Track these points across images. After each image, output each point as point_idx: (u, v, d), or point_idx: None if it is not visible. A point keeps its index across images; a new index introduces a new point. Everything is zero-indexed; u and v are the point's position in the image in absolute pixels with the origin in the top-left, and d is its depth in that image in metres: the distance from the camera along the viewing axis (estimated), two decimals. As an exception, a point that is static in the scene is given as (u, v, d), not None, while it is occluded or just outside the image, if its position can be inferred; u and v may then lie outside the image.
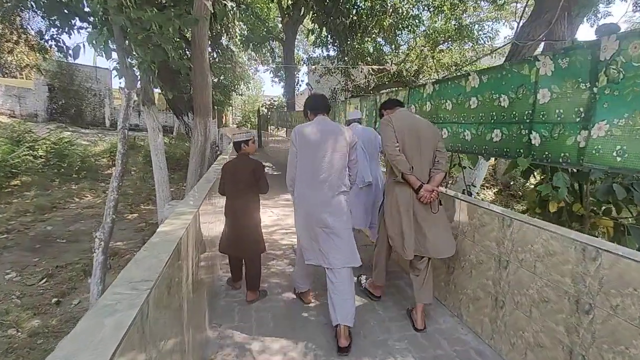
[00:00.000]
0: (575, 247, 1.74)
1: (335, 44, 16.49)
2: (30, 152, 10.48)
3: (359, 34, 11.98)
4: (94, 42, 4.50)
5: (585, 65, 2.02)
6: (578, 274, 1.73)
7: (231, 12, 11.72)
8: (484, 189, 12.71)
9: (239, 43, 17.22)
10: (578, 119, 2.08)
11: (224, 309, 2.70)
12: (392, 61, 16.48)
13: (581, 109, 2.06)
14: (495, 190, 13.02)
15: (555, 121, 2.24)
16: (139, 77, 5.47)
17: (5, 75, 25.24)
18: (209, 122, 5.75)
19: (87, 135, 19.06)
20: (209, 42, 9.81)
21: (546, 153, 2.32)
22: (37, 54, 21.94)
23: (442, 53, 15.07)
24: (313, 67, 17.69)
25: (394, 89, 5.22)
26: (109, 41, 4.70)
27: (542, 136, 2.35)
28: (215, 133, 22.31)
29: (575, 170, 2.45)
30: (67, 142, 11.16)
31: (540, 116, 2.36)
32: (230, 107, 27.51)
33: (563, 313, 1.80)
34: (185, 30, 6.07)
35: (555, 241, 1.86)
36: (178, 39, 5.67)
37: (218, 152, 12.32)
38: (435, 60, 14.95)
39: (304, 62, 20.37)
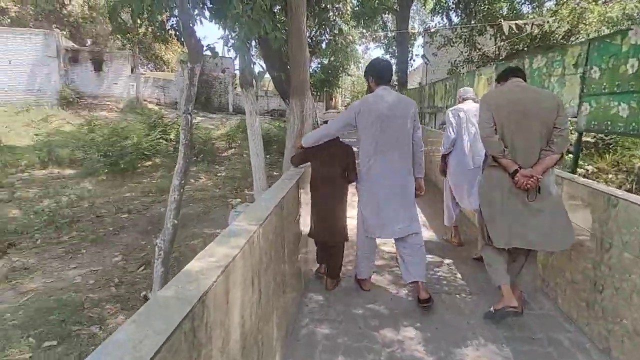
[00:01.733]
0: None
1: (460, 6, 14.18)
2: (163, 135, 11.74)
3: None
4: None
5: None
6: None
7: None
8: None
9: (348, 19, 16.34)
10: None
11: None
12: (532, 22, 13.36)
13: None
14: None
15: None
16: (236, 55, 5.10)
17: (158, 69, 29.82)
18: (306, 102, 5.09)
19: (213, 119, 21.05)
20: (315, 19, 9.20)
21: None
22: (180, 49, 25.12)
23: (609, 4, 11.43)
24: (430, 37, 15.68)
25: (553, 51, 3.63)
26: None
27: None
28: (321, 116, 22.33)
29: None
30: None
31: None
32: (339, 89, 27.11)
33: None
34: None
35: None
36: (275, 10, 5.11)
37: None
38: (597, 15, 11.46)
39: (419, 34, 18.36)
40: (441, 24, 16.76)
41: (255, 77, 5.58)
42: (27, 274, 3.95)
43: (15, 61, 19.74)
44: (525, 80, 2.36)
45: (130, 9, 5.98)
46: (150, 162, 10.01)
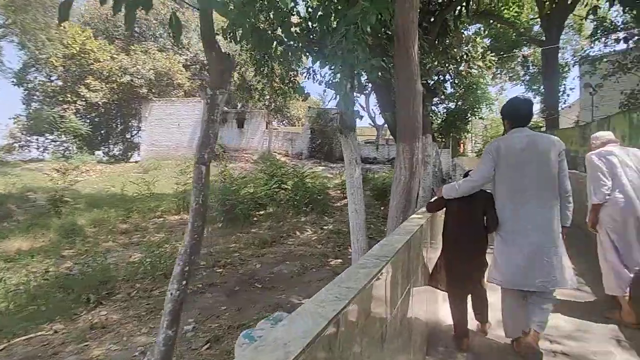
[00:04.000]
0: None
1: (631, 24, 11.07)
2: (280, 184, 11.99)
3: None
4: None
5: None
6: None
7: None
8: None
9: (478, 58, 14.64)
10: None
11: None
12: None
13: None
14: None
15: None
16: (335, 95, 4.41)
17: (292, 125, 32.96)
18: (417, 147, 3.95)
19: (333, 169, 21.38)
20: (437, 56, 8.12)
21: None
22: (306, 107, 27.30)
23: None
24: (591, 66, 12.62)
25: None
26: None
27: None
28: (449, 163, 20.17)
29: None
30: (307, 176, 12.19)
31: None
32: (469, 134, 24.55)
33: None
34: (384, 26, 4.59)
35: None
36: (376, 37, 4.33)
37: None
38: None
39: (574, 63, 15.19)
40: (602, 52, 13.45)
41: (354, 120, 4.79)
42: (101, 335, 3.78)
43: (183, 124, 24.65)
44: None
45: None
46: (264, 212, 10.12)
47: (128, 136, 29.99)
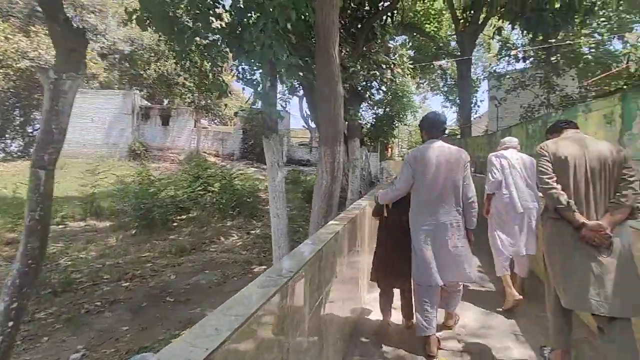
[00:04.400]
0: None
1: (529, 50, 12.62)
2: (207, 186, 11.28)
3: (576, 21, 8.08)
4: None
5: None
6: None
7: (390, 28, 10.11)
8: None
9: (403, 67, 15.48)
10: None
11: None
12: (625, 57, 11.27)
13: None
14: None
15: None
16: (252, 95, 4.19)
17: (217, 123, 31.57)
18: (338, 152, 3.90)
19: (266, 170, 20.90)
20: (363, 63, 8.31)
21: None
22: (237, 104, 26.47)
23: None
24: (497, 81, 14.09)
25: None
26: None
27: None
28: (377, 166, 21.05)
29: None
30: (235, 178, 11.66)
31: None
32: (396, 139, 25.96)
33: None
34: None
35: None
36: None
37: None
38: None
39: (484, 78, 16.85)
40: (507, 70, 15.17)
41: (275, 121, 4.63)
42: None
43: (97, 118, 22.10)
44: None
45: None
46: (186, 216, 9.42)
47: (30, 130, 26.06)
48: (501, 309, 3.23)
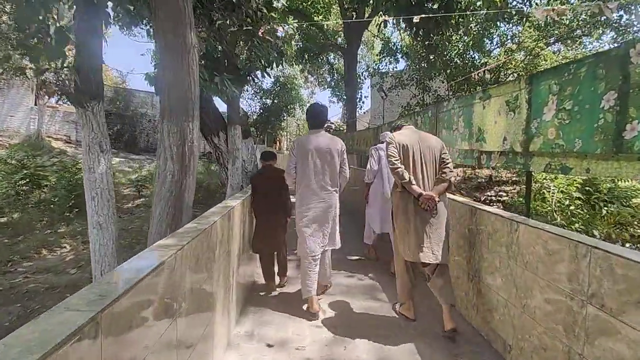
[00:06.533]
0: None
1: (409, 50, 13.33)
2: (36, 180, 8.55)
3: (451, 24, 8.45)
4: None
5: None
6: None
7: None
8: None
9: (292, 56, 14.80)
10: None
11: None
12: (482, 66, 12.69)
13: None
14: None
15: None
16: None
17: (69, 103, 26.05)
18: (191, 131, 2.75)
19: (135, 161, 17.85)
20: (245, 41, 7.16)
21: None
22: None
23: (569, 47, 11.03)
24: (380, 78, 14.57)
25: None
26: None
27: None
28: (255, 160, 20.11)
29: None
30: (78, 169, 9.14)
31: None
32: (284, 132, 25.42)
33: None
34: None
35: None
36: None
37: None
38: (549, 60, 11.00)
39: (369, 75, 17.42)
40: (389, 69, 15.97)
41: (101, 81, 3.20)
42: None
43: None
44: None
45: None
46: (4, 219, 6.83)
47: None
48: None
